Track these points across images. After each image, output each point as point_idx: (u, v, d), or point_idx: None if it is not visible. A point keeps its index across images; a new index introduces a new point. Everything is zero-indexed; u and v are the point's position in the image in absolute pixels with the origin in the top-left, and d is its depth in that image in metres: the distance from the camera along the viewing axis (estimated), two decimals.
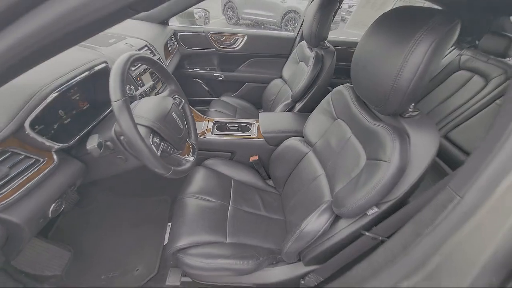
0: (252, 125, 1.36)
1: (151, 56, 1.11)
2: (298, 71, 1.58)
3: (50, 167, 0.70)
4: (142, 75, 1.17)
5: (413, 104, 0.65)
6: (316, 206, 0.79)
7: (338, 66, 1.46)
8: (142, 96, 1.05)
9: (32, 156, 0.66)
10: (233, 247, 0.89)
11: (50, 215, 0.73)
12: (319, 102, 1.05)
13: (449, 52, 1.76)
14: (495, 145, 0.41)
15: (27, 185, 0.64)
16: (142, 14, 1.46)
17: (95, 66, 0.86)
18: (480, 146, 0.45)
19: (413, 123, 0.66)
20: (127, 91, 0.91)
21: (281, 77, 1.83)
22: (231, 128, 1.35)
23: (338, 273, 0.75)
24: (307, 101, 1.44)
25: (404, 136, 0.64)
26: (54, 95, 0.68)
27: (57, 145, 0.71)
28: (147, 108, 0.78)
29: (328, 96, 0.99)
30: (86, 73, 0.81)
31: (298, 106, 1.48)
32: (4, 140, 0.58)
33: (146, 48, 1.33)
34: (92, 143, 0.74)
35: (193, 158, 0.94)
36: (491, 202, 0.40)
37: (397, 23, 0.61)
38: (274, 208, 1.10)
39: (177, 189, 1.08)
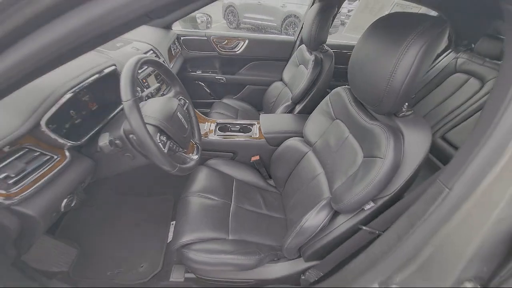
0: (254, 126, 1.38)
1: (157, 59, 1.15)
2: (298, 74, 1.61)
3: (63, 164, 0.73)
4: (147, 78, 1.21)
5: (406, 104, 0.69)
6: (315, 203, 0.82)
7: (337, 69, 1.50)
8: (148, 97, 1.09)
9: (47, 153, 0.70)
10: (236, 243, 0.91)
11: (62, 209, 0.76)
12: (318, 104, 1.08)
13: (446, 56, 1.79)
14: (481, 138, 0.44)
15: (42, 180, 0.67)
16: None
17: (105, 68, 0.90)
18: (468, 140, 0.47)
19: (407, 122, 0.69)
20: None
21: (281, 79, 1.86)
22: (233, 129, 1.38)
23: (337, 268, 0.77)
24: (306, 103, 1.47)
25: (398, 134, 0.68)
26: (68, 95, 0.72)
27: (69, 143, 0.74)
28: (154, 109, 0.82)
29: (327, 98, 1.02)
30: (97, 75, 0.85)
31: (298, 107, 1.51)
32: (21, 137, 0.62)
33: (152, 51, 1.38)
34: (103, 140, 0.78)
35: (197, 156, 0.98)
36: (477, 194, 0.42)
37: (391, 28, 0.64)
38: (275, 207, 1.13)
39: (180, 189, 1.11)
